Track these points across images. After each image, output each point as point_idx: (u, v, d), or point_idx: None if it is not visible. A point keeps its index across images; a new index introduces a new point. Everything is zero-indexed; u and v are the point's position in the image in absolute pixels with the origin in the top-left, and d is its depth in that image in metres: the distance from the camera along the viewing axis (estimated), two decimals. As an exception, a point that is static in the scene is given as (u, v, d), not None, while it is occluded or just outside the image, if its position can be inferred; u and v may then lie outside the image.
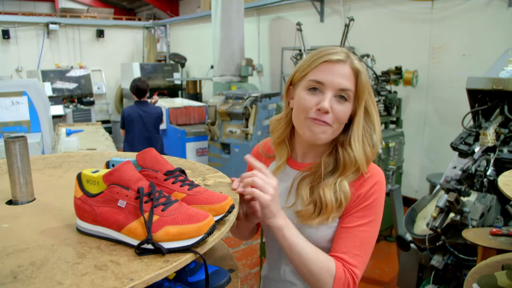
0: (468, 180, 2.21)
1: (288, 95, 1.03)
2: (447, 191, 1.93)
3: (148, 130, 3.93)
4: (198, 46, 8.27)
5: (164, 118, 5.27)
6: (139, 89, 3.86)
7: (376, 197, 0.95)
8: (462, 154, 2.43)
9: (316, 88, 0.93)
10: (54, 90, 7.40)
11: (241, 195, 0.87)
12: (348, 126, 0.97)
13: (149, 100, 4.07)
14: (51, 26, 8.28)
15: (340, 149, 0.97)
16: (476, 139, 2.42)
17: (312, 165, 1.01)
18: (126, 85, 7.26)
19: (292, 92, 1.00)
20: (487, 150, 2.30)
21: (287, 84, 1.03)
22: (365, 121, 0.97)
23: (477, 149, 2.34)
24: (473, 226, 1.85)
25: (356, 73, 0.93)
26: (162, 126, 4.47)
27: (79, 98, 7.74)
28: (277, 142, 1.06)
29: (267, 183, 0.86)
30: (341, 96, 0.93)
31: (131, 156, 1.03)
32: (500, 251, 1.56)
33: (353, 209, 0.95)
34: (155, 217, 0.63)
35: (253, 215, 0.93)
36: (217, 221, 0.70)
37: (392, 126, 3.76)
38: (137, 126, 3.89)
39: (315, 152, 1.02)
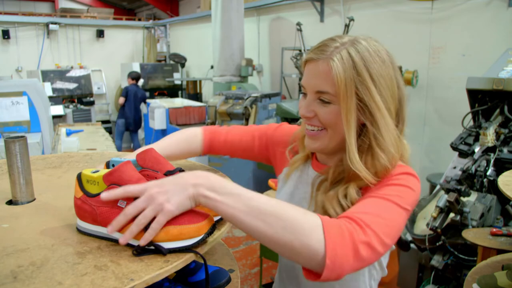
0: (468, 180, 2.21)
1: None
2: (447, 191, 1.93)
3: (136, 100, 6.45)
4: (198, 46, 8.26)
5: (164, 117, 5.35)
6: (138, 77, 6.58)
7: (403, 180, 0.78)
8: (462, 154, 2.43)
9: (304, 91, 0.86)
10: (54, 90, 7.40)
11: None
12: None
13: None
14: (51, 26, 8.28)
15: (344, 155, 0.84)
16: (476, 139, 2.42)
17: (327, 168, 0.89)
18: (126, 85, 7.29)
19: None
20: (487, 150, 2.29)
21: None
22: (367, 119, 0.80)
23: (477, 149, 2.34)
24: (473, 226, 1.84)
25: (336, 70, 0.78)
26: (162, 126, 5.45)
27: (79, 98, 7.73)
28: (301, 136, 0.95)
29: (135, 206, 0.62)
30: (322, 98, 0.81)
31: (131, 156, 1.02)
32: (500, 251, 1.56)
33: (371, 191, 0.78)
34: (155, 217, 0.63)
35: None
36: (217, 221, 0.70)
37: (392, 126, 3.76)
38: (132, 97, 6.41)
39: (332, 154, 0.90)
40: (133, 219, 0.62)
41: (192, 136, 1.05)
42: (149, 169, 0.75)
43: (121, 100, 6.41)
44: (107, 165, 0.81)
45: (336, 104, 0.80)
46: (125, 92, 6.42)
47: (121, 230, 0.64)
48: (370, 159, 0.80)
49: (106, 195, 0.63)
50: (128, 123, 6.48)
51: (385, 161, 0.79)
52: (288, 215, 0.63)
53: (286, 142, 1.02)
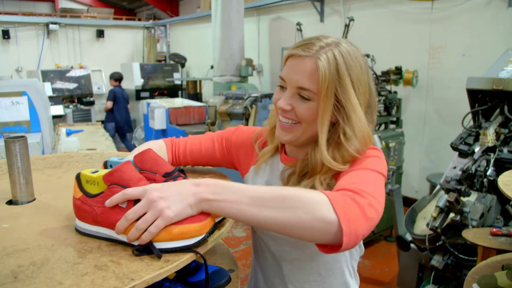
0: (468, 180, 2.21)
1: None
2: (447, 191, 1.93)
3: (125, 101, 6.43)
4: (198, 46, 8.27)
5: (164, 117, 5.36)
6: (121, 78, 6.46)
7: (370, 153, 0.83)
8: (462, 154, 2.43)
9: (283, 84, 0.86)
10: (54, 90, 7.40)
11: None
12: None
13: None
14: (51, 26, 8.28)
15: (309, 148, 0.87)
16: (476, 139, 2.42)
17: (296, 161, 0.90)
18: (126, 85, 7.26)
19: None
20: (487, 150, 2.29)
21: None
22: (341, 118, 0.83)
23: (477, 149, 2.34)
24: (473, 226, 1.85)
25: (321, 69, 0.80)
26: (162, 126, 5.44)
27: (79, 98, 7.73)
28: (270, 128, 0.97)
29: (136, 211, 0.62)
30: (301, 94, 0.83)
31: (129, 156, 1.02)
32: (500, 251, 1.56)
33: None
34: (155, 217, 0.63)
35: None
36: (218, 222, 0.70)
37: (392, 126, 3.76)
38: (120, 99, 6.34)
39: (302, 147, 0.91)
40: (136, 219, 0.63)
41: (159, 148, 1.01)
42: (147, 171, 0.75)
43: (109, 104, 6.25)
44: (105, 165, 0.81)
45: (315, 102, 0.83)
46: (113, 95, 6.27)
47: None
48: (338, 153, 0.83)
49: (108, 202, 0.65)
50: (120, 126, 6.33)
51: (355, 153, 0.82)
52: (293, 195, 0.65)
53: (248, 144, 1.03)
